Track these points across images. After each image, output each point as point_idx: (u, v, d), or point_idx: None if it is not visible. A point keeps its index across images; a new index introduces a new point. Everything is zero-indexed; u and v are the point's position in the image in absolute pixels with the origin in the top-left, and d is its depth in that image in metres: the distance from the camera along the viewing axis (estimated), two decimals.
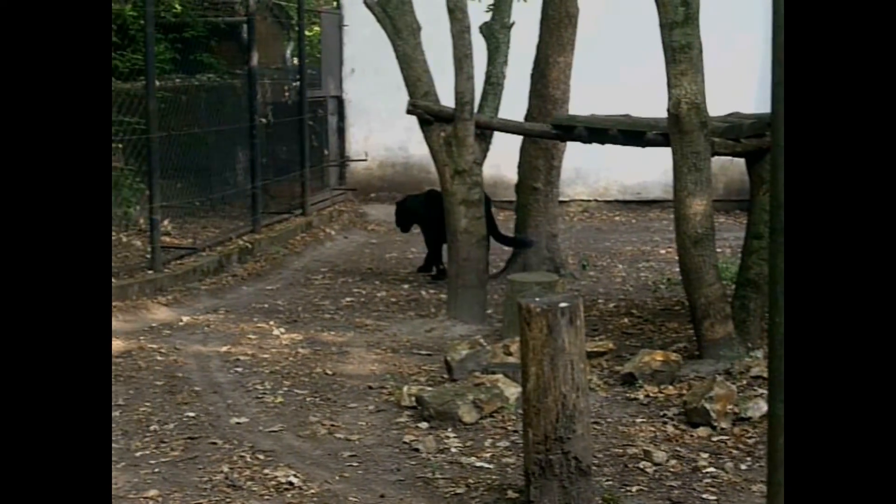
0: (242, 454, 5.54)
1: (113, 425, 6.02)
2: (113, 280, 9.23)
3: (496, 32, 8.54)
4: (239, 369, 7.21)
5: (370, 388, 6.77)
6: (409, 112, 8.36)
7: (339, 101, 15.45)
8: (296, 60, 14.68)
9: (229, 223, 12.05)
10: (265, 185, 12.45)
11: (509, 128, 8.68)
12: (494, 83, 8.52)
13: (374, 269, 11.03)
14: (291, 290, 10.02)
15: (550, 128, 8.37)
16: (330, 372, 7.13)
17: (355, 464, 5.47)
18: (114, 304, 8.78)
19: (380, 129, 15.31)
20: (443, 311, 8.69)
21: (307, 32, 14.98)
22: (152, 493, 5.04)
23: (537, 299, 4.71)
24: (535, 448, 4.70)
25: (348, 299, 9.53)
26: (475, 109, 8.32)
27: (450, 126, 8.20)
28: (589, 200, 15.16)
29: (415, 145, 15.38)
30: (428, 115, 8.26)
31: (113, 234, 10.77)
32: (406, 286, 10.12)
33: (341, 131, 15.48)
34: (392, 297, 9.59)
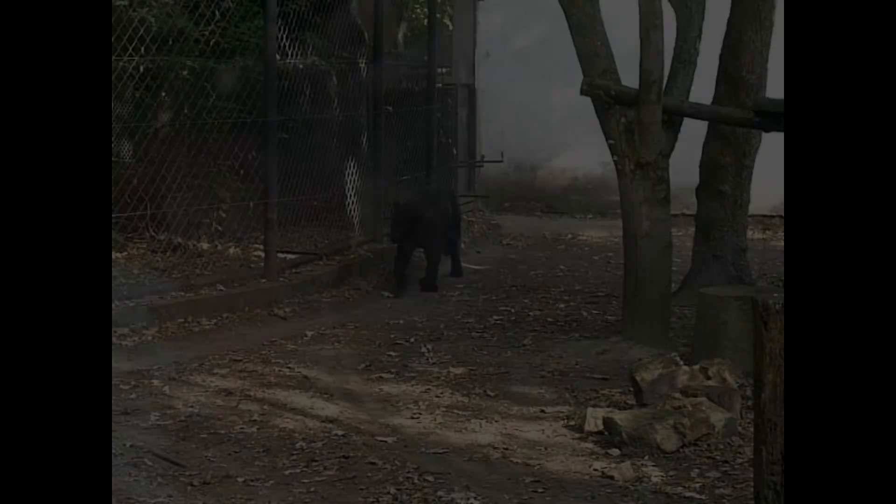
0: (409, 475, 5.86)
1: (252, 442, 6.41)
2: (223, 288, 9.70)
3: (688, 2, 8.75)
4: (384, 388, 7.55)
5: (543, 411, 7.05)
6: (583, 93, 8.58)
7: (470, 91, 15.78)
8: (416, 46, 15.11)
9: (338, 232, 12.33)
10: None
11: (703, 114, 8.89)
12: (686, 60, 8.67)
13: (519, 287, 11.32)
14: (426, 306, 10.35)
15: (752, 115, 8.56)
16: (492, 393, 7.43)
17: (540, 490, 5.74)
18: (225, 315, 9.25)
19: (518, 124, 15.61)
20: (612, 333, 8.92)
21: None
22: None
23: (776, 295, 4.93)
24: (770, 469, 4.89)
25: (496, 317, 9.83)
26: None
27: (632, 110, 8.41)
28: None
29: (559, 146, 15.74)
30: (607, 97, 8.46)
31: (201, 242, 11.22)
32: (562, 305, 10.39)
33: (472, 126, 15.79)
34: (548, 317, 9.87)
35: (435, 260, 11.25)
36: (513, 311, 10.15)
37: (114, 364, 7.66)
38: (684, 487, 5.74)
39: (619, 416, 6.44)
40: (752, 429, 5.30)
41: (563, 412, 7.00)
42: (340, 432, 6.59)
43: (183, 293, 9.47)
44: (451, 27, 18.13)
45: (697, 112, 8.81)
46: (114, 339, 8.22)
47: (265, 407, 7.08)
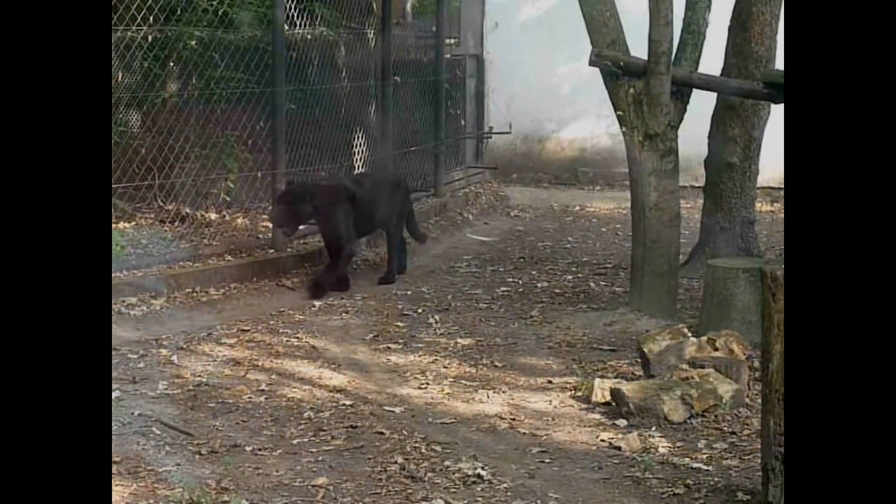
0: (416, 445, 5.89)
1: (261, 411, 6.44)
2: (231, 259, 9.74)
3: None
4: (391, 358, 7.58)
5: (550, 382, 7.07)
6: (592, 63, 8.58)
7: (479, 61, 15.76)
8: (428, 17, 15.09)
9: None
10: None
11: (712, 85, 8.87)
12: (695, 31, 8.63)
13: (527, 258, 11.33)
14: (434, 277, 10.37)
15: (761, 86, 8.56)
16: (499, 364, 7.46)
17: (547, 460, 5.77)
18: (233, 285, 9.28)
19: (526, 95, 15.59)
20: (620, 304, 8.95)
21: None
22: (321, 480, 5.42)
23: (784, 266, 4.93)
24: (778, 440, 4.91)
25: (503, 289, 9.85)
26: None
27: (641, 81, 8.41)
28: None
29: (568, 117, 15.74)
30: (615, 68, 8.45)
31: (211, 212, 11.22)
32: (570, 277, 10.40)
33: (480, 97, 15.77)
34: (556, 289, 9.88)
35: (335, 255, 9.64)
36: (520, 282, 10.16)
37: (122, 333, 7.76)
38: (691, 458, 5.76)
39: (627, 387, 6.45)
40: (759, 400, 5.35)
41: (570, 383, 7.03)
42: (348, 402, 6.63)
43: (191, 263, 9.48)
44: None
45: (706, 83, 8.80)
46: (122, 309, 8.24)
47: (273, 377, 7.11)
